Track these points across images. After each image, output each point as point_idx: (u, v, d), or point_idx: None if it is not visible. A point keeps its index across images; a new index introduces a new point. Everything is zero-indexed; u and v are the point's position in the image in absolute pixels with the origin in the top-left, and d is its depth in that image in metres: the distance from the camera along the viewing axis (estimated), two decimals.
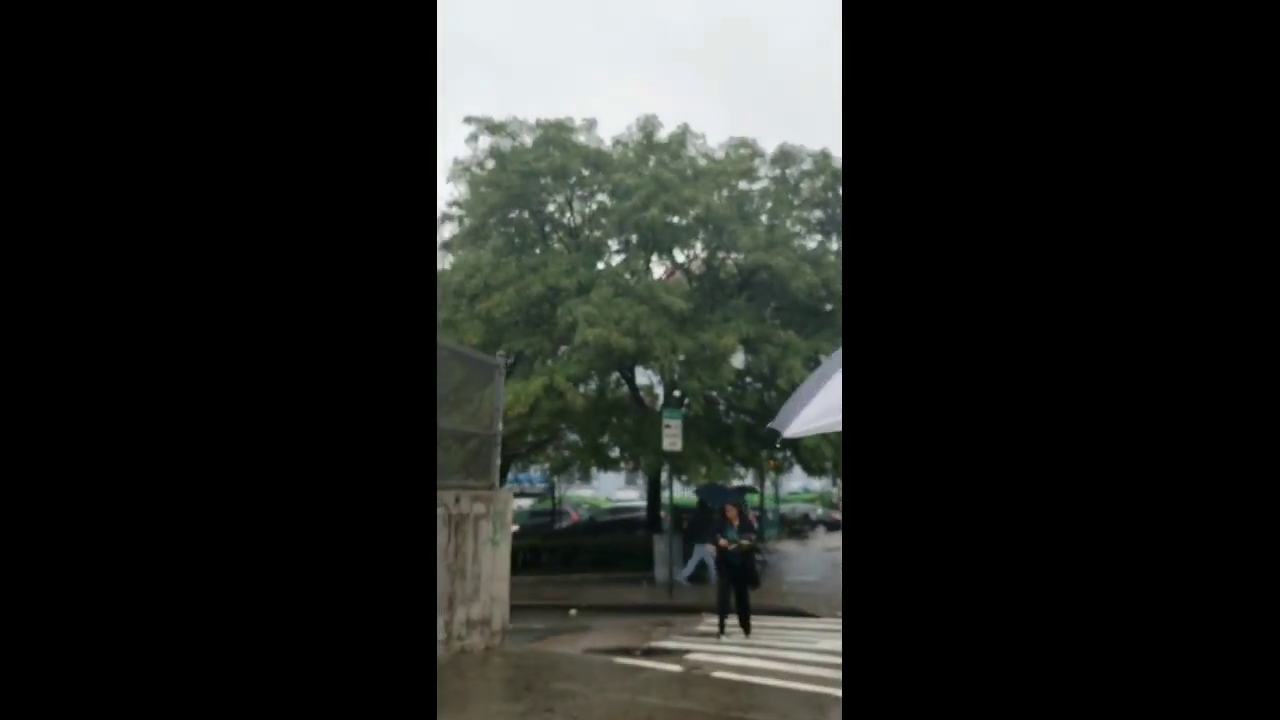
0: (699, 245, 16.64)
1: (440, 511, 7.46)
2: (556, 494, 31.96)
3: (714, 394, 17.00)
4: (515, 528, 27.84)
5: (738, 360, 14.77)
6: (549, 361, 15.08)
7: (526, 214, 16.40)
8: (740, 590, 9.98)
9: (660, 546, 16.12)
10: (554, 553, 19.26)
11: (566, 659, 8.42)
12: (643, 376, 18.26)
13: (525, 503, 31.36)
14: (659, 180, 14.73)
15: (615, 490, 38.49)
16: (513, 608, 9.15)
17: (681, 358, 14.19)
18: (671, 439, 14.66)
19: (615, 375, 18.12)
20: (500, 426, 9.33)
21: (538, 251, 16.28)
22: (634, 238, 16.03)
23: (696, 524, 16.18)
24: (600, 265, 15.70)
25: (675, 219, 15.43)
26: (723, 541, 9.95)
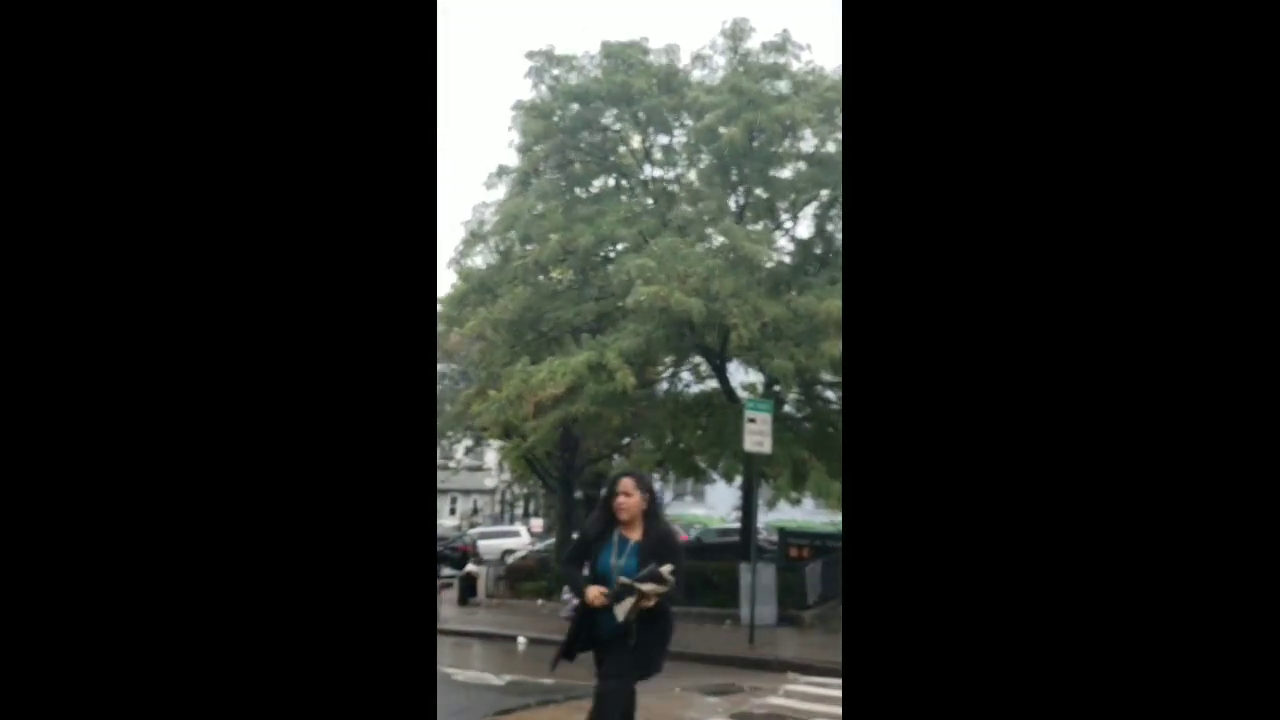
0: (798, 192, 12.92)
1: None
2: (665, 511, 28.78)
3: (817, 383, 13.28)
4: None
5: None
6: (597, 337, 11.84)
7: (581, 152, 13.15)
8: None
9: (746, 578, 12.51)
10: None
11: None
12: (740, 371, 14.78)
13: None
14: (740, 90, 11.22)
15: (734, 508, 34.86)
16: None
17: (763, 325, 10.56)
18: (756, 437, 11.10)
19: (698, 359, 14.69)
20: None
21: (594, 196, 13.08)
22: (709, 165, 12.57)
23: None
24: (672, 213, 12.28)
25: (768, 145, 11.87)
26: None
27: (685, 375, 17.15)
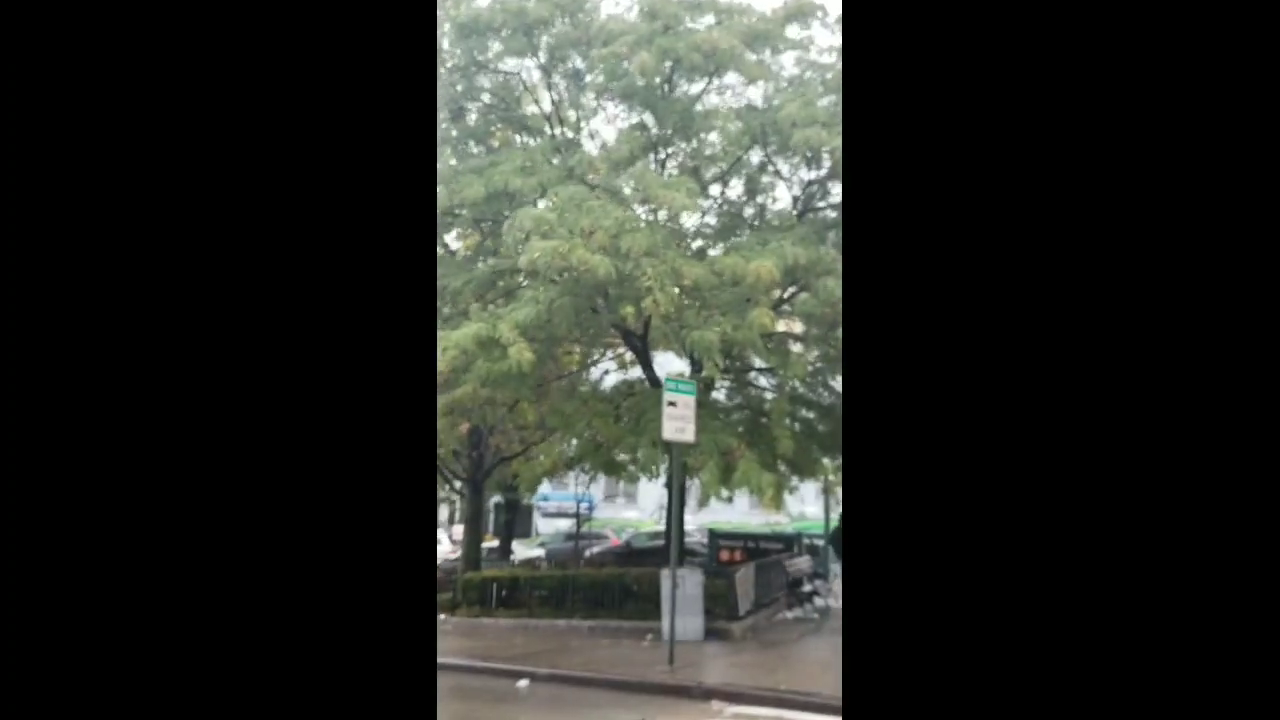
0: (724, 133, 11.27)
1: None
2: (592, 514, 27.30)
3: (748, 368, 11.77)
4: (541, 553, 23.27)
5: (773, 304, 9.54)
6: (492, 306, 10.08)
7: (476, 100, 11.33)
8: None
9: (667, 587, 10.90)
10: (545, 587, 14.23)
11: None
12: (671, 362, 13.19)
13: (563, 524, 26.79)
14: (654, 15, 9.58)
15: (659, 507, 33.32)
16: (452, 668, 7.50)
17: (682, 289, 8.93)
18: (677, 423, 9.50)
19: (621, 348, 13.06)
20: None
21: (491, 149, 11.28)
22: (618, 107, 10.95)
23: None
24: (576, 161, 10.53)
25: (686, 84, 10.29)
26: None
27: (608, 365, 15.56)
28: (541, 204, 9.19)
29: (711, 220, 11.12)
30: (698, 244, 11.07)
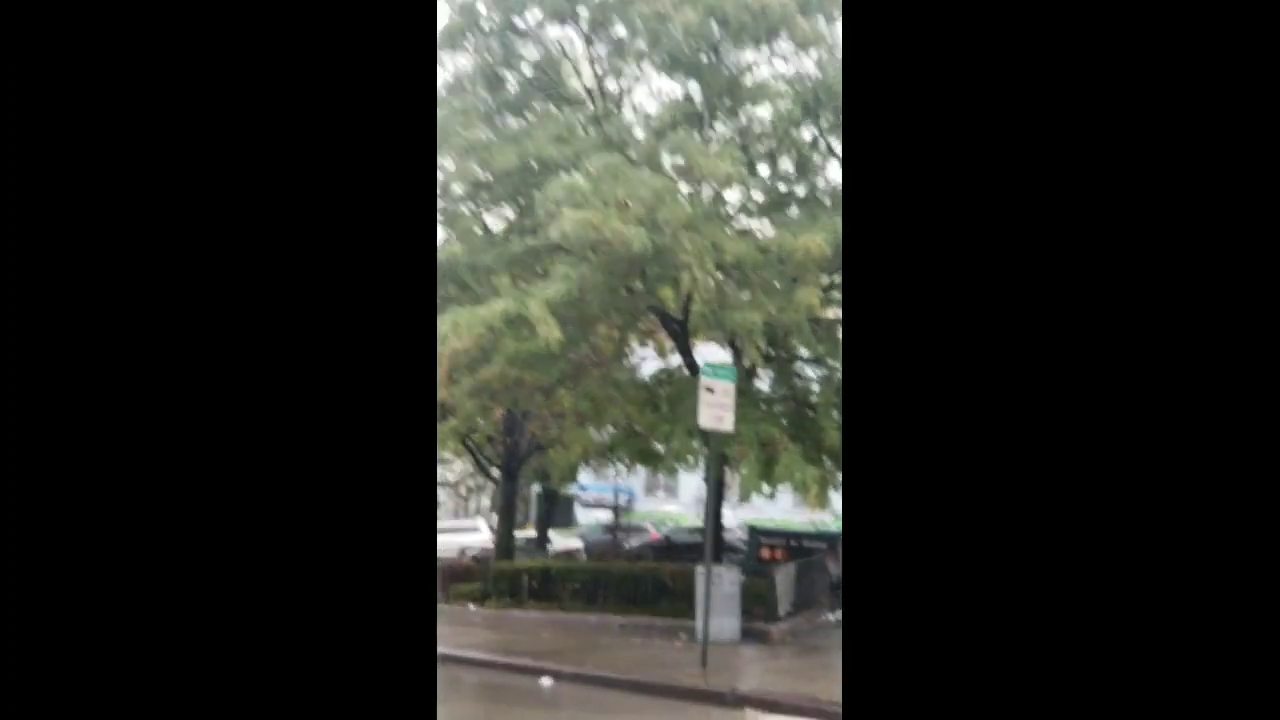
0: (775, 107, 10.60)
1: None
2: (633, 506, 26.84)
3: (793, 356, 11.07)
4: (579, 544, 22.80)
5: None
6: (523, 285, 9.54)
7: (514, 69, 10.78)
8: None
9: (702, 585, 10.30)
10: (577, 580, 13.69)
11: None
12: (714, 352, 12.56)
13: (603, 515, 26.36)
14: None
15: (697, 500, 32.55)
16: (473, 662, 7.62)
17: (723, 266, 8.28)
18: (715, 411, 8.88)
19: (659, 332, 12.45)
20: None
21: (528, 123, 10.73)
22: (662, 77, 10.31)
23: None
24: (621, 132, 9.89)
25: (734, 50, 9.62)
26: None
27: (648, 353, 14.97)
28: (577, 176, 8.60)
29: (758, 197, 10.42)
30: (742, 221, 10.40)
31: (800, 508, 25.65)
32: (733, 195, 10.20)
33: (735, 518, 23.41)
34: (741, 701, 7.70)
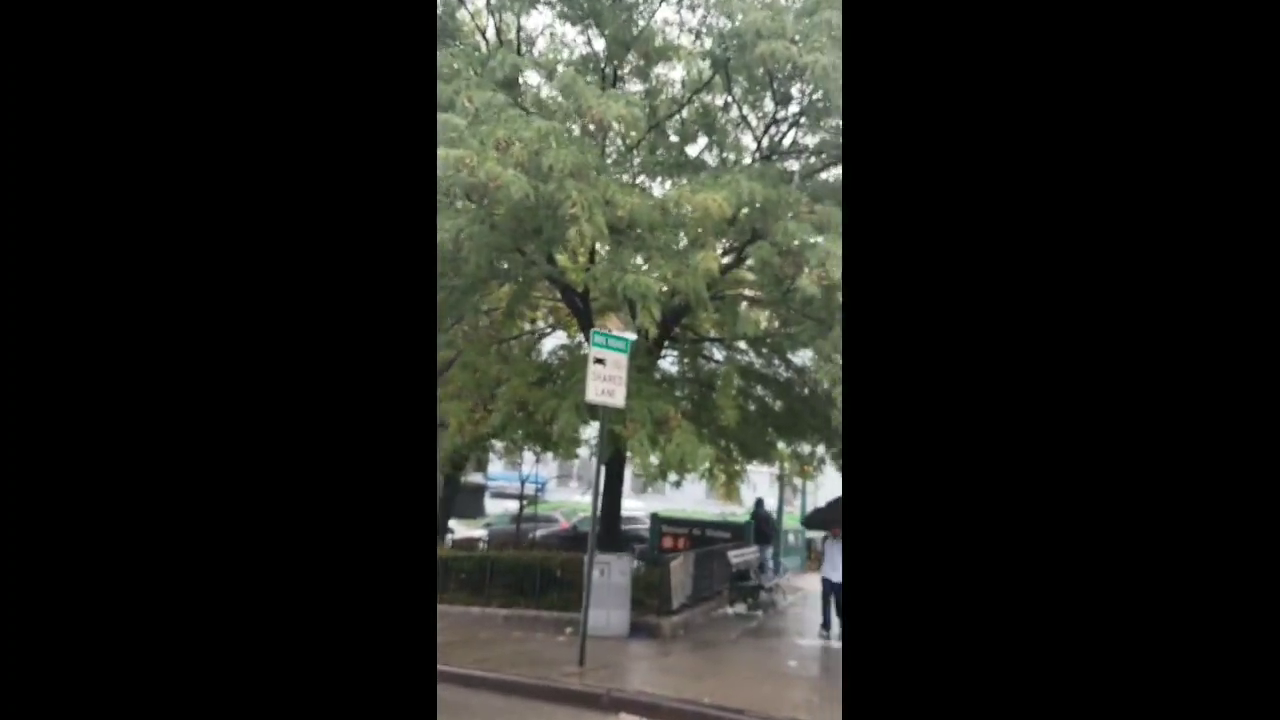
0: (687, 66, 9.84)
1: None
2: (544, 496, 25.93)
3: (694, 334, 10.36)
4: (483, 534, 21.73)
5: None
6: None
7: None
8: None
9: (596, 575, 9.46)
10: (464, 570, 12.71)
11: None
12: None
13: (514, 505, 25.36)
14: None
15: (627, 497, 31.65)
16: None
17: (615, 221, 7.45)
18: (604, 384, 8.07)
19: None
20: None
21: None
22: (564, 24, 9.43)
23: None
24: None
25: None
26: None
27: (549, 329, 14.09)
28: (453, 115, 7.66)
29: (661, 155, 9.64)
30: (645, 185, 9.60)
31: (712, 500, 25.15)
32: (636, 161, 9.38)
33: (645, 509, 22.73)
34: (617, 705, 6.94)
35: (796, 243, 7.56)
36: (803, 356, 11.67)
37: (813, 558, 19.07)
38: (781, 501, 17.74)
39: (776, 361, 12.14)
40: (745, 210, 7.89)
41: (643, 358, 10.30)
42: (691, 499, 25.42)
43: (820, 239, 7.53)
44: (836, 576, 10.15)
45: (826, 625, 10.36)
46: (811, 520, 13.80)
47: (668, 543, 14.38)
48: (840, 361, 7.95)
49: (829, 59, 7.38)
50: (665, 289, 8.04)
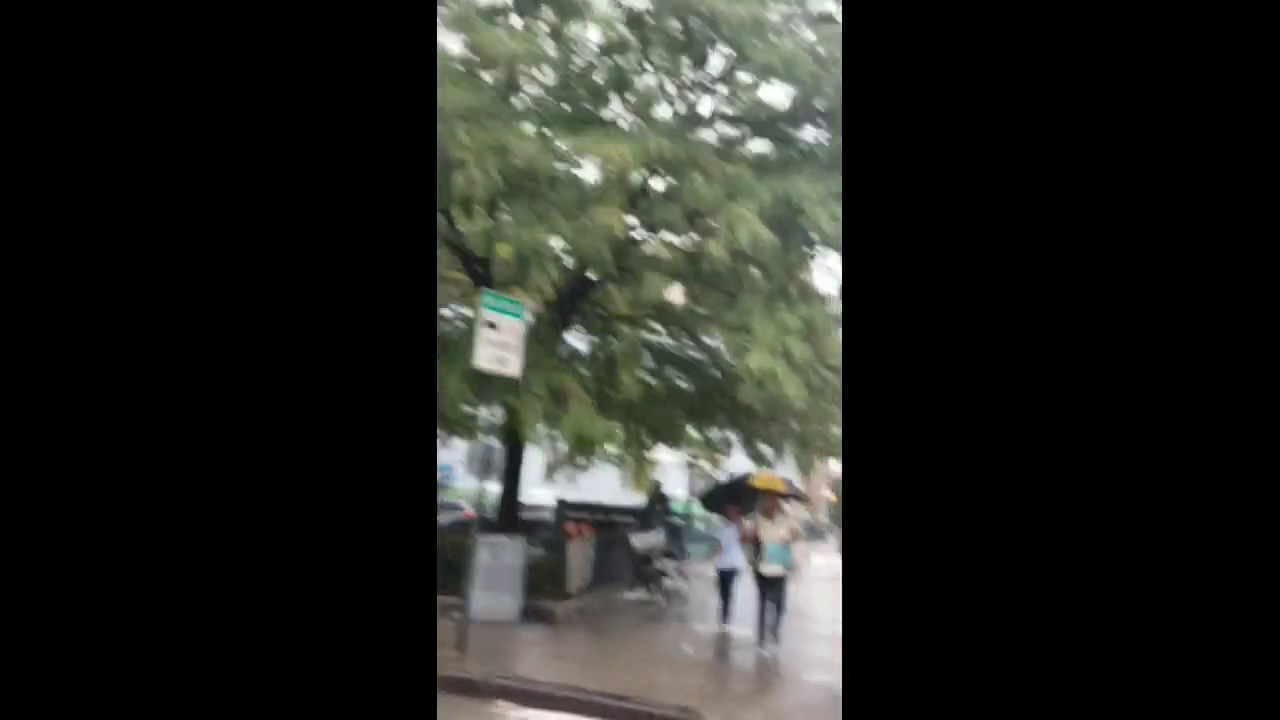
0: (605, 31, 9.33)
1: None
2: (450, 484, 25.13)
3: (601, 311, 9.88)
4: None
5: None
6: None
7: None
8: None
9: (484, 557, 8.87)
10: None
11: None
12: None
13: None
14: None
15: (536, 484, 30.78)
16: None
17: (510, 173, 6.87)
18: (495, 351, 7.49)
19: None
20: None
21: None
22: None
23: None
24: None
25: None
26: None
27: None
28: None
29: (567, 109, 9.09)
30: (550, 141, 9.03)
31: (628, 490, 24.69)
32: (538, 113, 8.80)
33: (554, 497, 22.12)
34: (497, 692, 6.39)
35: (708, 199, 7.14)
36: (718, 340, 11.32)
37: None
38: (691, 488, 17.39)
39: (687, 341, 11.73)
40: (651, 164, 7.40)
41: (546, 330, 9.78)
42: (607, 489, 24.94)
43: (733, 203, 7.13)
44: (733, 563, 9.54)
45: (726, 614, 9.65)
46: (711, 500, 12.38)
47: (571, 528, 13.85)
48: (745, 336, 7.59)
49: (746, 9, 6.95)
50: (564, 249, 7.50)
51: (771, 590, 8.68)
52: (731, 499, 10.43)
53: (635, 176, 7.27)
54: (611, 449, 14.94)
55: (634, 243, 8.77)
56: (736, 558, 9.46)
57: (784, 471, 16.92)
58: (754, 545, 8.87)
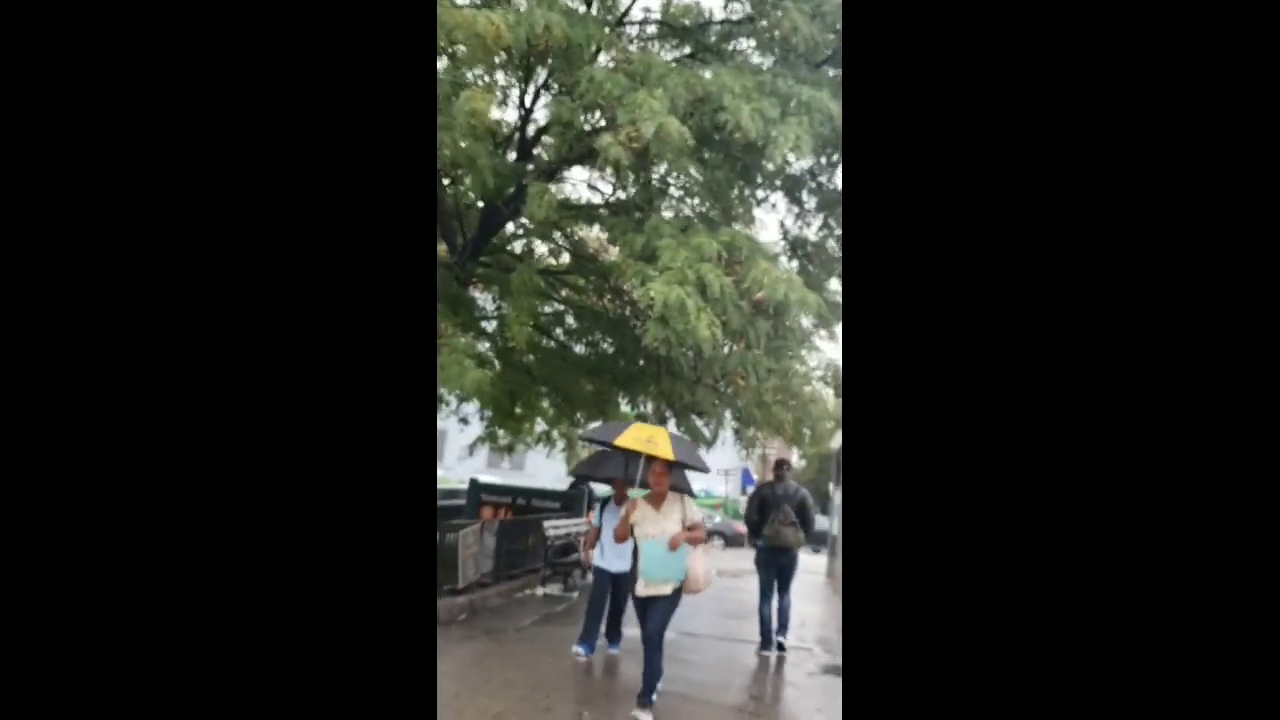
0: None
1: None
2: None
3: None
4: None
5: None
6: None
7: None
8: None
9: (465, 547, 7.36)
10: None
11: None
12: None
13: None
14: None
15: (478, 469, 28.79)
16: None
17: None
18: None
19: None
20: None
21: None
22: None
23: None
24: None
25: None
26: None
27: None
28: None
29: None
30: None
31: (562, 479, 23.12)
32: None
33: (504, 484, 20.56)
34: None
35: (611, 93, 5.62)
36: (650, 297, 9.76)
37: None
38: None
39: (611, 300, 10.18)
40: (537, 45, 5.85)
41: (452, 284, 8.29)
42: (553, 474, 23.35)
43: (638, 93, 5.62)
44: (619, 565, 6.51)
45: (613, 636, 6.96)
46: (583, 470, 8.42)
47: (487, 513, 12.31)
48: (651, 266, 6.10)
49: None
50: (449, 162, 5.94)
51: (651, 619, 5.11)
52: (615, 466, 6.96)
53: (515, 59, 5.69)
54: (540, 426, 13.45)
55: (522, 152, 7.19)
56: (623, 556, 6.33)
57: (725, 454, 15.29)
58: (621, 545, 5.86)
